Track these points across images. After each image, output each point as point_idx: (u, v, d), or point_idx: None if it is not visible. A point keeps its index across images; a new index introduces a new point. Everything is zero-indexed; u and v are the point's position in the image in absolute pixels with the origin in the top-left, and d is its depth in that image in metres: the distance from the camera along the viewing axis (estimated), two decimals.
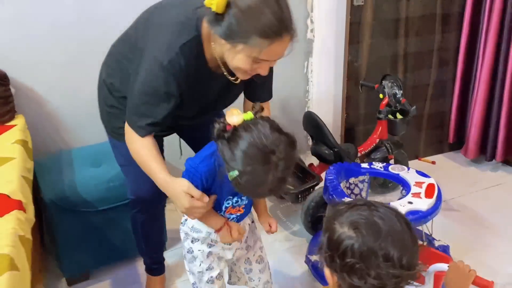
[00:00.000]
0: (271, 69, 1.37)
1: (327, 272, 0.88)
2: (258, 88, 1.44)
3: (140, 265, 1.88)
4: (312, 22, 2.41)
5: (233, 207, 1.26)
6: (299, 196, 2.07)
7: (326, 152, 2.15)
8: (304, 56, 2.47)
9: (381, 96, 2.19)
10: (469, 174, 2.61)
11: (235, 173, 1.03)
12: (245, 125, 1.04)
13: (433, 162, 2.48)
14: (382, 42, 2.42)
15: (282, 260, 1.97)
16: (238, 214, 1.28)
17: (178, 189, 1.18)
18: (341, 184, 1.71)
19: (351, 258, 0.81)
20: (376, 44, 2.40)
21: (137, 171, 1.32)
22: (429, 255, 1.67)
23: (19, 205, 1.26)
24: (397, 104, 2.16)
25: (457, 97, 2.66)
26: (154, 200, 1.54)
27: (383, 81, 2.19)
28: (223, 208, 1.24)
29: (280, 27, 1.11)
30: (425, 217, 1.54)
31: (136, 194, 1.55)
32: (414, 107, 2.10)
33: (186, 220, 1.32)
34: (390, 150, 2.26)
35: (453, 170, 2.65)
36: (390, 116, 2.22)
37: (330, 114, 2.55)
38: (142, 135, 1.25)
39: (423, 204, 1.55)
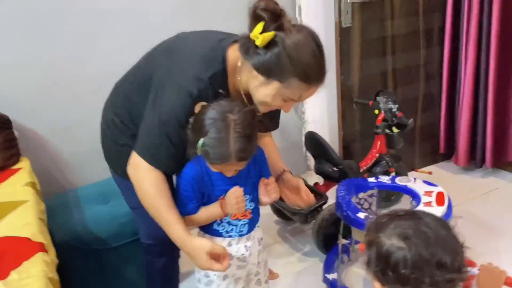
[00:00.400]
0: None
1: (377, 285, 0.89)
2: (267, 119, 1.40)
3: None
4: None
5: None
6: (308, 216, 2.08)
7: (330, 170, 2.18)
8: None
9: (376, 112, 2.25)
10: (463, 182, 2.67)
11: (200, 141, 1.10)
12: (202, 107, 1.15)
13: (430, 173, 2.54)
14: (371, 60, 2.50)
15: (298, 281, 1.97)
16: (246, 219, 1.28)
17: (198, 251, 1.17)
18: (352, 200, 1.74)
19: (405, 269, 0.83)
20: (365, 62, 2.48)
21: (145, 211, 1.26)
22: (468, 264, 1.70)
23: (42, 247, 1.24)
24: (394, 118, 2.21)
25: (445, 109, 2.76)
26: (170, 243, 1.32)
27: (377, 97, 2.25)
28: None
29: (320, 73, 1.15)
30: None
31: (154, 236, 1.43)
32: (412, 120, 2.16)
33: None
34: (390, 164, 2.31)
35: (448, 179, 2.72)
36: (387, 130, 2.28)
37: (327, 133, 2.60)
38: (157, 167, 1.20)
39: (437, 212, 1.58)
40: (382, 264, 0.86)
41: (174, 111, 1.17)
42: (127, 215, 1.76)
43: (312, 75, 1.13)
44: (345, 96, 2.50)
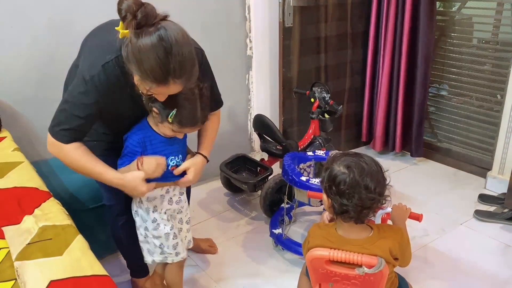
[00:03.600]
0: (212, 82, 1.62)
1: (324, 197, 1.29)
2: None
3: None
4: (250, 41, 2.84)
5: (176, 165, 1.59)
6: (256, 185, 2.45)
7: (274, 148, 2.57)
8: (245, 70, 2.89)
9: (312, 100, 2.67)
10: (380, 162, 3.20)
11: (173, 112, 1.40)
12: None
13: None
14: (308, 57, 2.92)
15: (248, 238, 2.33)
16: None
17: (134, 180, 1.44)
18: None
19: (343, 186, 1.22)
20: (303, 58, 2.90)
21: None
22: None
23: (50, 195, 1.47)
24: (326, 106, 2.65)
25: (367, 102, 3.26)
26: (130, 198, 1.67)
27: (313, 88, 2.67)
28: (168, 166, 1.56)
29: (165, 75, 1.24)
30: None
31: (111, 199, 1.70)
32: (341, 106, 2.60)
33: (139, 200, 1.61)
34: (322, 144, 2.74)
35: None
36: (320, 116, 2.71)
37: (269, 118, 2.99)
38: (64, 142, 1.38)
39: None
40: (330, 182, 1.25)
41: (72, 94, 1.39)
42: None
43: (157, 76, 1.23)
44: (285, 87, 2.90)
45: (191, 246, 1.83)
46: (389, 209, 1.58)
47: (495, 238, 2.29)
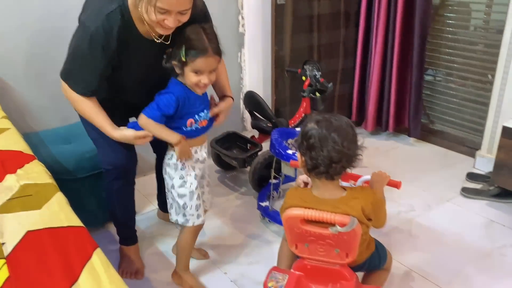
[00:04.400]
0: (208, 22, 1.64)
1: (298, 156, 1.31)
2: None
3: (114, 229, 2.12)
4: (242, 18, 2.85)
5: (203, 118, 1.64)
6: (246, 161, 2.48)
7: (265, 125, 2.59)
8: (237, 47, 2.90)
9: (303, 78, 2.68)
10: (371, 143, 3.21)
11: (183, 48, 1.47)
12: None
13: None
14: (301, 35, 2.93)
15: (237, 211, 2.37)
16: (205, 125, 1.67)
17: (127, 135, 1.58)
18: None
19: (312, 140, 1.26)
20: (296, 36, 2.91)
21: (109, 142, 1.61)
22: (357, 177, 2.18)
23: (34, 158, 1.50)
24: (317, 84, 2.66)
25: (357, 82, 3.26)
26: (128, 165, 1.76)
27: (304, 66, 2.68)
28: (197, 119, 1.61)
29: None
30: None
31: (110, 163, 1.74)
32: (331, 83, 2.61)
33: (172, 155, 1.65)
34: None
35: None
36: (311, 94, 2.73)
37: (261, 97, 3.00)
38: (77, 92, 1.52)
39: None
40: (302, 138, 1.29)
41: (80, 48, 1.46)
42: (89, 152, 2.04)
43: None
44: (278, 65, 2.91)
45: (210, 208, 1.89)
46: (368, 177, 1.60)
47: (480, 214, 2.31)
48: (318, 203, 1.30)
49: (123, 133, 1.58)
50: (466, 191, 2.48)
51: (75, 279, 0.88)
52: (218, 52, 1.53)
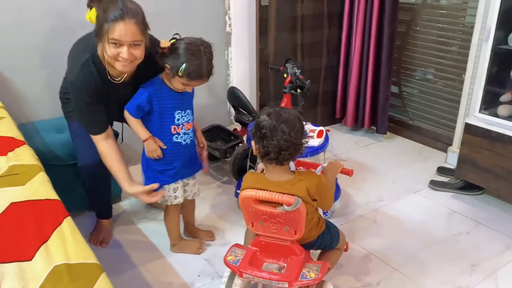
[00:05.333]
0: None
1: (253, 144, 1.48)
2: None
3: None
4: (229, 18, 3.02)
5: (187, 121, 1.82)
6: (227, 152, 2.65)
7: (246, 118, 2.76)
8: (224, 46, 3.07)
9: (285, 75, 2.83)
10: (351, 137, 3.37)
11: (183, 65, 1.63)
12: (175, 42, 1.68)
13: (328, 130, 3.20)
14: (284, 35, 3.09)
15: (217, 198, 2.54)
16: (190, 129, 1.85)
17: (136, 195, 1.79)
18: None
19: (264, 130, 1.42)
20: (280, 36, 3.07)
21: (82, 143, 1.87)
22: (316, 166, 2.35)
23: (24, 143, 1.69)
24: (297, 81, 2.82)
25: (341, 80, 3.41)
26: (98, 166, 1.90)
27: (286, 64, 2.84)
28: (177, 121, 1.79)
29: (121, 14, 1.55)
30: (317, 150, 2.20)
31: (87, 159, 1.94)
32: (308, 81, 2.76)
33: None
34: None
35: (341, 135, 3.41)
36: (292, 90, 2.88)
37: (247, 93, 3.16)
38: (93, 134, 1.79)
39: (315, 142, 2.21)
40: (256, 129, 1.45)
41: (77, 102, 1.76)
42: None
43: (112, 15, 1.55)
44: (262, 62, 3.08)
45: (195, 197, 2.06)
46: (325, 165, 1.77)
47: (443, 205, 2.47)
48: (268, 184, 1.48)
49: (138, 189, 1.77)
50: (433, 184, 2.64)
51: (45, 240, 1.06)
52: (210, 75, 1.73)
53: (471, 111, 2.73)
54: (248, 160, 2.40)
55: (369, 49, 3.11)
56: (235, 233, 2.22)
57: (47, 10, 2.38)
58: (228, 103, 3.25)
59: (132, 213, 2.39)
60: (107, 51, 1.61)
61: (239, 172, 2.62)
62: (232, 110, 3.22)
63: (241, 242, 2.02)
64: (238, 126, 2.92)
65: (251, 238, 1.71)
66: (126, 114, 1.78)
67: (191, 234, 2.18)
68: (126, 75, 1.77)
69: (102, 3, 1.60)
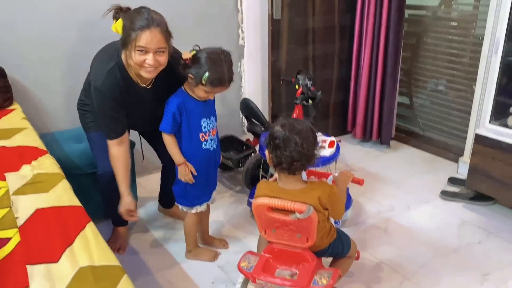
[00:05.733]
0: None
1: (267, 152, 1.53)
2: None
3: None
4: (242, 31, 3.09)
5: (212, 128, 1.89)
6: (240, 161, 2.71)
7: (259, 129, 2.82)
8: (237, 58, 3.15)
9: (296, 87, 2.89)
10: (360, 149, 3.40)
11: (206, 74, 1.70)
12: (197, 53, 1.75)
13: (339, 140, 3.25)
14: (296, 47, 3.16)
15: (230, 207, 2.60)
16: (214, 136, 1.93)
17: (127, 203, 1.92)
18: None
19: (278, 141, 1.47)
20: (291, 48, 3.14)
21: (102, 153, 1.93)
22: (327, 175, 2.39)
23: (47, 152, 1.77)
24: (308, 92, 2.88)
25: (352, 92, 3.44)
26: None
27: (297, 75, 2.90)
28: (203, 129, 1.87)
29: (147, 23, 1.65)
30: (328, 160, 2.25)
31: (102, 170, 2.03)
32: (320, 92, 2.82)
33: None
34: None
35: (350, 146, 3.44)
36: (304, 101, 2.94)
37: (259, 104, 3.22)
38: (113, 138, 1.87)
39: (327, 152, 2.26)
40: (270, 139, 1.51)
41: (100, 107, 1.83)
42: None
43: (140, 24, 1.65)
44: (275, 75, 3.14)
45: (213, 202, 2.14)
46: (336, 174, 1.82)
47: (455, 215, 2.48)
48: (281, 192, 1.52)
49: (130, 204, 1.94)
50: (445, 194, 2.66)
51: (70, 243, 1.12)
52: (231, 81, 1.81)
53: (481, 122, 2.75)
54: (261, 169, 2.45)
55: (377, 62, 3.16)
56: (248, 241, 2.26)
57: (70, 24, 2.48)
58: (240, 113, 3.32)
59: (148, 221, 2.45)
60: (134, 58, 1.70)
61: (251, 182, 2.67)
62: (245, 120, 3.29)
63: (254, 250, 2.07)
64: (250, 137, 2.98)
65: (264, 245, 1.76)
66: (164, 136, 1.86)
67: (205, 242, 2.23)
68: (150, 80, 1.86)
69: (128, 14, 1.71)
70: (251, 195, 2.51)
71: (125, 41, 1.70)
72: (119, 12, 1.74)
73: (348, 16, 3.28)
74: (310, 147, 1.50)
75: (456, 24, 3.17)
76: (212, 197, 2.10)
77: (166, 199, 2.45)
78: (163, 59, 1.73)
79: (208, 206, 2.14)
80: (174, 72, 1.84)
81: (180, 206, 2.03)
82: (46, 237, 1.17)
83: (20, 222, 1.24)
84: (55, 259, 1.07)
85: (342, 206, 1.61)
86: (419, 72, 3.40)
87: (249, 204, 2.47)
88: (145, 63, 1.70)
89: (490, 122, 2.45)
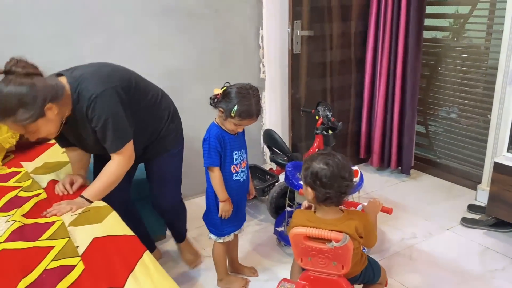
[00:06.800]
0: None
1: (308, 190, 1.61)
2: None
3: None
4: (263, 66, 3.24)
5: (242, 160, 1.99)
6: (264, 191, 2.80)
7: (281, 159, 2.92)
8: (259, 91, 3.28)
9: (316, 117, 3.01)
10: (379, 177, 3.49)
11: (235, 107, 1.81)
12: (227, 88, 1.86)
13: (356, 171, 3.33)
14: (315, 80, 3.29)
15: (255, 236, 2.67)
16: (244, 168, 2.02)
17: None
18: (296, 175, 2.48)
19: (325, 179, 1.55)
20: (310, 81, 3.27)
21: None
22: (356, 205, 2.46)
23: None
24: (329, 122, 2.99)
25: (365, 121, 3.53)
26: (124, 204, 2.02)
27: (317, 106, 3.01)
28: (235, 161, 1.96)
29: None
30: (355, 189, 2.33)
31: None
32: (340, 123, 2.93)
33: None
34: None
35: (368, 175, 3.51)
36: (324, 132, 3.05)
37: (280, 134, 3.33)
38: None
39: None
40: (314, 177, 1.58)
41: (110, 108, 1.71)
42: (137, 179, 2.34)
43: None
44: (294, 106, 3.26)
45: (241, 232, 2.20)
46: (365, 203, 1.90)
47: (476, 242, 2.54)
48: (320, 222, 1.60)
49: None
50: (465, 221, 2.72)
51: (131, 269, 1.21)
52: (259, 114, 1.91)
53: (498, 150, 2.84)
54: (287, 199, 2.53)
55: (394, 92, 3.27)
56: (276, 270, 2.33)
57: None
58: (262, 143, 3.43)
59: (177, 252, 2.52)
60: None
61: (276, 211, 2.76)
62: (267, 150, 3.40)
63: (284, 277, 2.14)
64: (273, 166, 3.07)
65: (298, 273, 1.83)
66: (213, 172, 1.93)
67: (235, 270, 2.30)
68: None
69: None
70: (277, 224, 2.60)
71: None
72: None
73: (363, 49, 3.42)
74: (352, 176, 1.60)
75: (468, 55, 3.30)
76: (241, 227, 2.17)
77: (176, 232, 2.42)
78: (35, 136, 1.62)
79: (236, 236, 2.21)
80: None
81: (208, 234, 2.11)
82: (107, 264, 1.25)
83: (80, 251, 1.33)
84: (121, 284, 1.15)
85: (375, 235, 1.68)
86: (433, 102, 3.52)
87: (276, 232, 2.55)
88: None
89: (508, 151, 2.54)
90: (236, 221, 2.12)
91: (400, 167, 3.47)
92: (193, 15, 2.85)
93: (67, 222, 1.53)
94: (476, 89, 3.24)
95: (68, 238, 1.41)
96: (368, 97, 3.47)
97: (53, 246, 1.36)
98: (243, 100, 1.83)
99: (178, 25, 2.82)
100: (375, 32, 3.30)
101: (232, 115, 1.84)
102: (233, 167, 1.99)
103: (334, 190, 1.55)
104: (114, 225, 1.49)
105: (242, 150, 2.03)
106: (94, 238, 1.39)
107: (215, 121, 1.97)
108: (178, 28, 2.83)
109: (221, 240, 2.08)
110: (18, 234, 1.43)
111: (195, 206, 2.73)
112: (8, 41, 2.34)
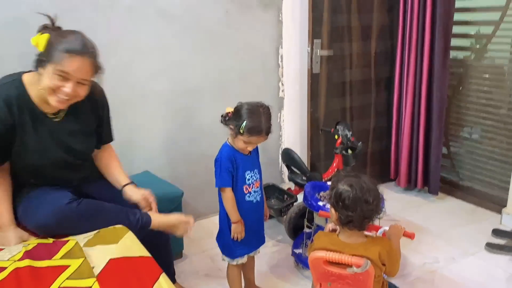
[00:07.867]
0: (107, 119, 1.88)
1: (332, 211, 1.57)
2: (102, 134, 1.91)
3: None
4: (282, 84, 3.23)
5: (255, 180, 1.96)
6: (282, 211, 2.76)
7: (300, 178, 2.88)
8: (277, 109, 3.27)
9: (336, 137, 2.98)
10: (403, 198, 3.42)
11: (244, 123, 1.78)
12: (237, 106, 1.85)
13: None
14: (334, 99, 3.26)
15: (273, 257, 2.62)
16: (257, 189, 1.99)
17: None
18: (315, 195, 2.44)
19: (348, 202, 1.52)
20: (330, 100, 3.25)
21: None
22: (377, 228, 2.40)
23: None
24: (348, 142, 2.95)
25: (394, 141, 3.49)
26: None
27: (337, 126, 2.98)
28: (247, 181, 1.93)
29: (81, 49, 1.48)
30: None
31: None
32: (360, 143, 2.89)
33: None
34: None
35: (393, 194, 3.45)
36: (343, 151, 3.01)
37: (298, 153, 3.31)
38: None
39: None
40: (337, 199, 1.55)
41: None
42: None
43: (73, 48, 1.48)
44: (313, 125, 3.24)
45: (255, 254, 2.17)
46: (386, 228, 1.85)
47: (501, 268, 2.44)
48: (343, 246, 1.56)
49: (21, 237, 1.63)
50: (490, 246, 2.62)
51: None
52: (269, 132, 1.89)
53: None
54: (305, 220, 2.49)
55: (419, 112, 3.22)
56: None
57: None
58: (280, 162, 3.41)
59: (194, 271, 2.50)
60: (49, 81, 1.47)
61: (294, 231, 2.71)
62: (285, 169, 3.37)
63: None
64: (291, 185, 3.04)
65: None
66: (225, 192, 1.90)
67: None
68: (58, 111, 1.64)
69: (60, 33, 1.54)
70: (295, 245, 2.55)
71: (44, 59, 1.48)
72: (49, 27, 1.55)
73: (384, 69, 3.40)
74: (378, 202, 1.55)
75: (491, 75, 3.24)
76: (256, 249, 2.13)
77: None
78: (83, 92, 1.55)
79: (252, 257, 2.17)
80: (97, 109, 1.76)
81: (222, 255, 2.07)
82: (123, 286, 1.24)
83: (96, 271, 1.32)
84: None
85: (398, 263, 1.63)
86: (456, 123, 3.45)
87: (294, 254, 2.50)
88: (60, 90, 1.49)
89: None
90: (250, 243, 2.06)
91: (426, 187, 3.39)
92: (214, 34, 2.87)
93: (82, 242, 1.52)
94: (500, 109, 3.17)
95: (83, 258, 1.40)
96: (396, 116, 3.43)
97: (68, 266, 1.36)
98: (252, 117, 1.82)
99: (199, 44, 2.84)
100: (401, 52, 3.27)
101: (241, 131, 1.82)
102: (246, 187, 1.96)
103: (357, 214, 1.51)
104: (131, 246, 1.47)
105: (256, 170, 2.01)
106: (110, 259, 1.38)
107: (227, 141, 1.95)
108: (199, 47, 2.85)
109: (234, 262, 2.04)
110: (31, 253, 1.43)
111: (211, 224, 2.70)
112: None
